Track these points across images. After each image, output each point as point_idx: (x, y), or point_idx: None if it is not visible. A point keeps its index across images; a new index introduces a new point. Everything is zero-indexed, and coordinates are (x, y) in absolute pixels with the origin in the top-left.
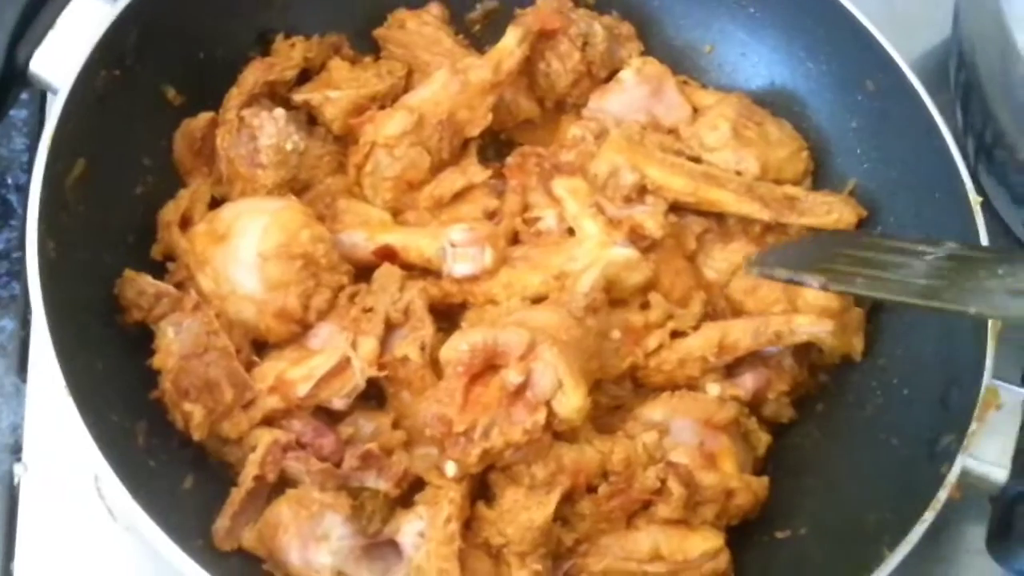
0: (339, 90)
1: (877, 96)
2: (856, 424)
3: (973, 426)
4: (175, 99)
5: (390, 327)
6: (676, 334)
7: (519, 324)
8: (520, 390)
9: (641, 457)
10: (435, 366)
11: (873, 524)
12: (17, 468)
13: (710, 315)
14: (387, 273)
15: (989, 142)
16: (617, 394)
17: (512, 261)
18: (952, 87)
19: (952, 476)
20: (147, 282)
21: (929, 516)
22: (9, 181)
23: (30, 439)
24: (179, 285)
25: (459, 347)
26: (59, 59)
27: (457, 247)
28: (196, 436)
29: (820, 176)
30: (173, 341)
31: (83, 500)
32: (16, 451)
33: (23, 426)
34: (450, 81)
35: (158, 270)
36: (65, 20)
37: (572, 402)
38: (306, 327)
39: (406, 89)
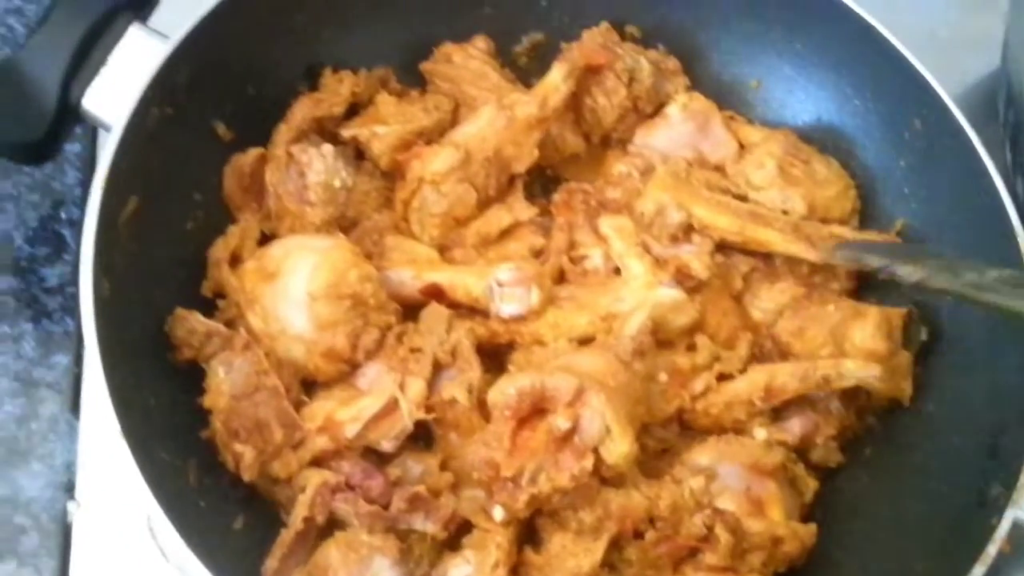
0: (386, 125)
1: (924, 135)
2: (905, 470)
3: (1022, 479)
4: (225, 135)
5: (437, 368)
6: (722, 377)
7: (567, 369)
8: (568, 436)
9: (688, 503)
10: (483, 408)
11: (922, 574)
12: (70, 506)
13: (756, 356)
14: (434, 313)
15: None
16: (664, 437)
17: (558, 301)
18: (1001, 123)
19: (1002, 530)
20: (198, 320)
21: (979, 571)
22: (63, 215)
23: (83, 477)
24: (229, 323)
25: (507, 391)
26: (112, 96)
27: (504, 287)
28: (246, 477)
29: (867, 214)
30: (223, 381)
31: (136, 538)
32: (70, 489)
33: (76, 464)
34: (496, 117)
35: (209, 306)
36: (117, 57)
37: (619, 449)
38: (355, 366)
39: (453, 123)
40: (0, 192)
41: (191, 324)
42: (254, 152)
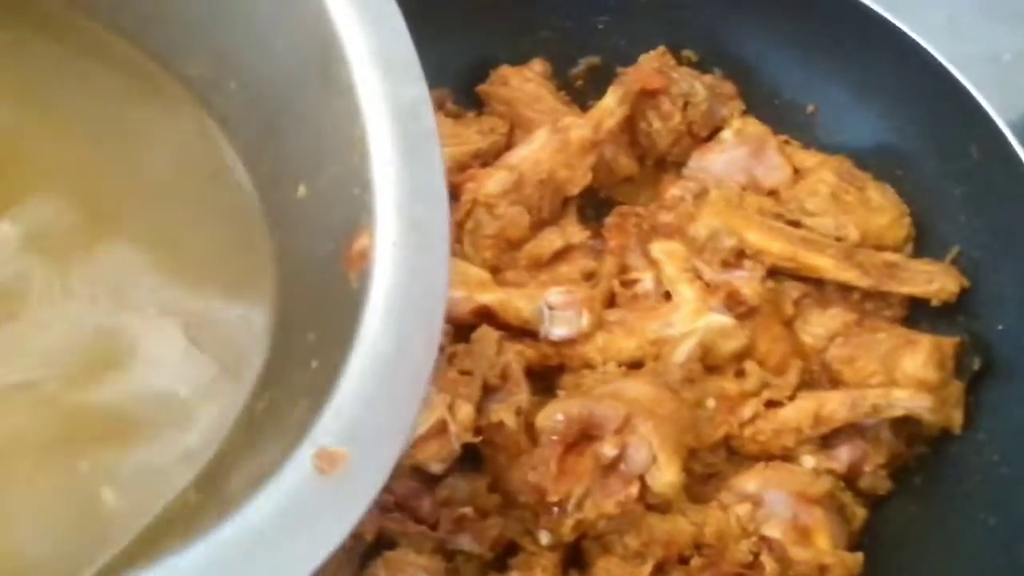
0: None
1: (981, 163)
2: (954, 500)
3: None
4: None
5: (487, 390)
6: (771, 403)
7: (615, 396)
8: (614, 463)
9: (734, 530)
10: (530, 431)
11: None
12: None
13: (806, 382)
14: (485, 336)
15: None
16: (711, 462)
17: (608, 325)
18: None
19: None
20: None
21: None
22: None
23: None
24: None
25: (554, 417)
26: None
27: (554, 310)
28: None
29: (922, 242)
30: None
31: None
32: None
33: None
34: (550, 140)
35: None
36: None
37: (666, 477)
38: None
39: (508, 146)
40: None
41: None
42: None
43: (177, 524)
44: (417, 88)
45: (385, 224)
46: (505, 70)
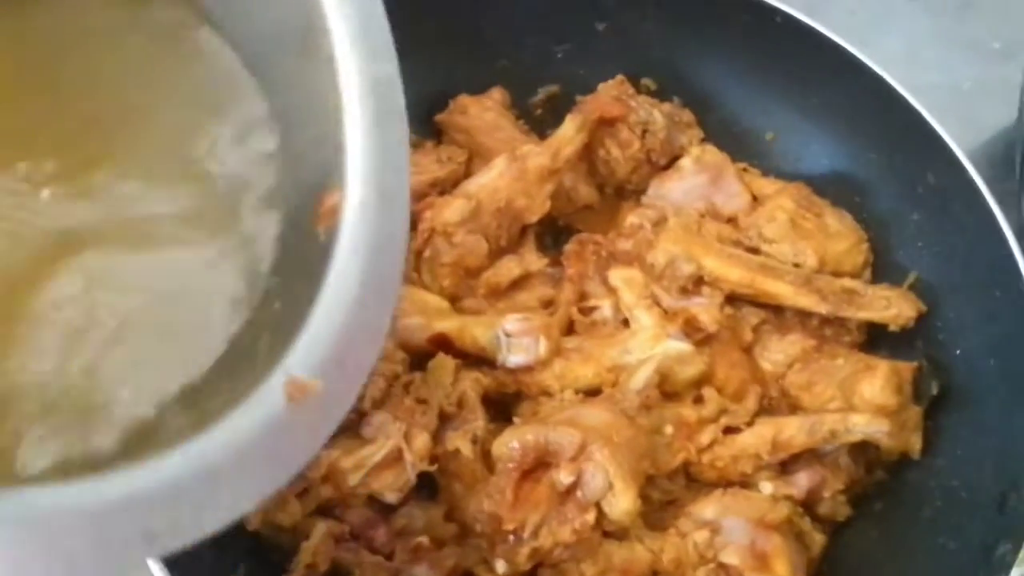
0: None
1: (937, 189)
2: (914, 525)
3: None
4: None
5: (443, 419)
6: (729, 430)
7: (571, 423)
8: (570, 490)
9: (691, 557)
10: (486, 459)
11: None
12: None
13: (765, 409)
14: (441, 365)
15: None
16: (669, 489)
17: (566, 352)
18: (1017, 177)
19: None
20: None
21: None
22: None
23: None
24: None
25: (510, 445)
26: None
27: (511, 337)
28: (251, 526)
29: (880, 267)
30: None
31: None
32: None
33: None
34: (508, 168)
35: None
36: None
37: (622, 504)
38: (360, 415)
39: (467, 174)
40: None
41: None
42: None
43: (160, 434)
44: (391, 66)
45: (354, 185)
46: (464, 99)
